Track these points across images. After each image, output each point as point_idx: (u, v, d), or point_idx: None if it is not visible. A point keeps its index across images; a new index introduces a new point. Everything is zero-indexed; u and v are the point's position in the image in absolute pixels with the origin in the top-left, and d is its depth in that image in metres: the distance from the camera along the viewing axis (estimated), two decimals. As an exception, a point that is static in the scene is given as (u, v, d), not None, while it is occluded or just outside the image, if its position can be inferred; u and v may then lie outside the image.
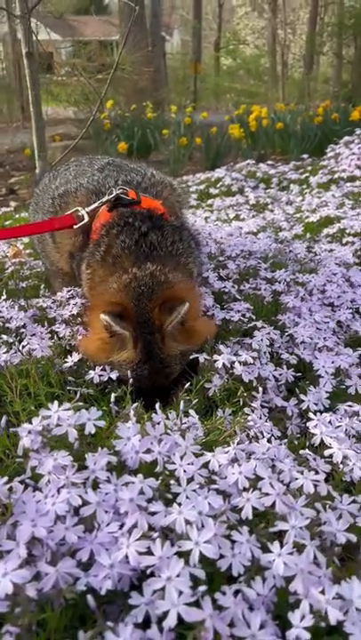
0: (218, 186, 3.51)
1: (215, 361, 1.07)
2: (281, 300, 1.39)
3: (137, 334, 1.06)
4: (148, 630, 0.56)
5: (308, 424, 0.95)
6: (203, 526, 0.65)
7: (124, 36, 2.39)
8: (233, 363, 1.07)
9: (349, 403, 1.07)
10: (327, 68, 19.52)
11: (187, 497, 0.70)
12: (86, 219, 1.29)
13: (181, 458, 0.75)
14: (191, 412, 0.88)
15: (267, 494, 0.69)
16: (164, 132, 6.00)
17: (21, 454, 0.77)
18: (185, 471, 0.73)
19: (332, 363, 1.16)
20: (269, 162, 3.85)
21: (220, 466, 0.76)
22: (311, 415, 0.97)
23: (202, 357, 1.10)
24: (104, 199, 1.29)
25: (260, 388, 1.05)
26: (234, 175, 3.46)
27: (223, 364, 1.06)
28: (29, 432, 0.77)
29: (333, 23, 15.98)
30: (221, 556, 0.63)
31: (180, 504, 0.68)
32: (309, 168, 3.70)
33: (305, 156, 3.96)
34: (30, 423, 0.78)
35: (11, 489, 0.70)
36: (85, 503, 0.67)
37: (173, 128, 6.27)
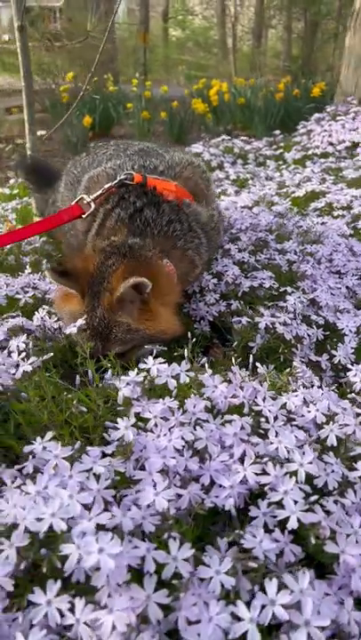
0: (195, 161, 3.59)
1: (257, 323, 1.20)
2: (296, 269, 1.53)
3: (85, 291, 1.12)
4: (273, 533, 0.69)
5: (348, 374, 1.09)
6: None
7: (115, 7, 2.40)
8: (273, 323, 1.19)
9: (373, 356, 1.23)
10: (276, 42, 19.55)
11: (275, 432, 0.83)
12: (92, 206, 1.32)
13: (263, 400, 0.88)
14: (258, 365, 1.00)
15: (346, 425, 0.83)
16: (128, 105, 5.96)
17: (121, 403, 0.88)
18: (270, 411, 0.86)
19: (354, 322, 1.30)
20: (243, 137, 3.96)
21: (295, 406, 0.89)
22: (350, 366, 1.11)
23: (244, 320, 1.22)
24: (106, 186, 1.32)
25: (299, 345, 1.19)
26: (212, 151, 3.55)
27: (266, 325, 1.19)
28: (128, 383, 0.88)
29: (283, -4, 16.00)
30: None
31: (275, 437, 0.80)
32: (282, 144, 3.84)
33: (277, 132, 4.09)
34: (127, 375, 0.89)
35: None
36: (196, 439, 0.79)
37: (136, 102, 6.24)
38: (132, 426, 0.81)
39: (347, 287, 1.53)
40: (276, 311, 1.26)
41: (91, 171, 1.49)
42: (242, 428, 0.80)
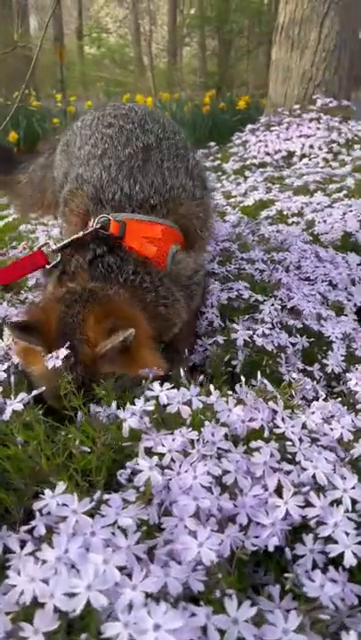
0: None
1: (235, 339, 1.13)
2: (268, 278, 1.48)
3: (51, 347, 0.95)
4: (328, 573, 0.61)
5: (348, 383, 1.04)
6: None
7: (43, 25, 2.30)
8: (251, 337, 1.13)
9: (362, 364, 1.19)
10: (191, 59, 19.96)
11: (303, 455, 0.75)
12: (58, 257, 1.17)
13: (283, 421, 0.80)
14: (266, 381, 0.93)
15: (377, 441, 0.77)
16: (54, 120, 5.82)
17: (127, 436, 0.77)
18: (293, 432, 0.78)
19: (339, 329, 1.27)
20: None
21: (316, 424, 0.82)
22: (348, 374, 1.07)
23: (220, 338, 1.14)
24: (74, 237, 1.15)
25: (283, 355, 1.13)
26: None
27: (244, 340, 1.12)
28: (133, 413, 0.78)
29: (195, 15, 16.41)
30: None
31: (308, 461, 0.73)
32: (219, 155, 3.85)
33: (212, 143, 4.10)
34: (133, 405, 0.79)
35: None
36: (224, 472, 0.70)
37: (60, 117, 6.11)
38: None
39: (318, 293, 1.50)
40: (252, 323, 1.19)
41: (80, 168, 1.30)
42: (271, 455, 0.72)
